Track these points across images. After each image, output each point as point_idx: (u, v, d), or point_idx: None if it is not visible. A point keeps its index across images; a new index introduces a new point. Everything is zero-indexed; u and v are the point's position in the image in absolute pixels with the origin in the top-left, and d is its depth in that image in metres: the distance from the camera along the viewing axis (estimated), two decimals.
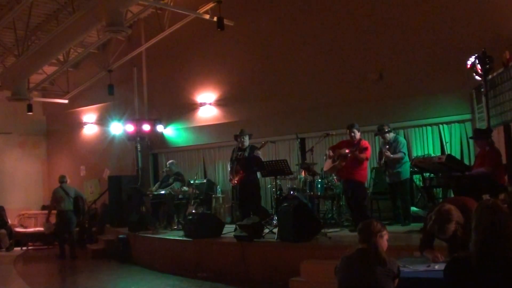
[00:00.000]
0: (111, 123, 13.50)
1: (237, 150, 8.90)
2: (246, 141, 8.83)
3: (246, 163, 8.42)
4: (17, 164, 15.26)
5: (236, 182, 8.75)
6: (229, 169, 9.11)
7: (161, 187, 10.72)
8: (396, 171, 7.84)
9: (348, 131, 7.84)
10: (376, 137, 8.93)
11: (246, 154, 8.60)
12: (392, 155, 7.78)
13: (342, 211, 8.88)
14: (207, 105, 12.06)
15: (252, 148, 8.72)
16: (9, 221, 13.95)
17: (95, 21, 9.84)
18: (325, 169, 8.24)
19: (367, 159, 7.72)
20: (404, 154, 7.89)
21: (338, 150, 7.82)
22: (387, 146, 7.94)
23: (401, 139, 8.22)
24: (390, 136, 8.03)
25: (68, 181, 11.46)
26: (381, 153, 8.06)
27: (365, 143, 7.86)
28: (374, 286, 3.12)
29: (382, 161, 7.96)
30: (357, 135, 7.82)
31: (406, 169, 7.92)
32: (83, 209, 11.71)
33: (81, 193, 11.79)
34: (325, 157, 8.23)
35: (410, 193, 8.49)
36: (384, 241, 3.32)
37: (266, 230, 7.72)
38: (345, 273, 3.27)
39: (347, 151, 7.66)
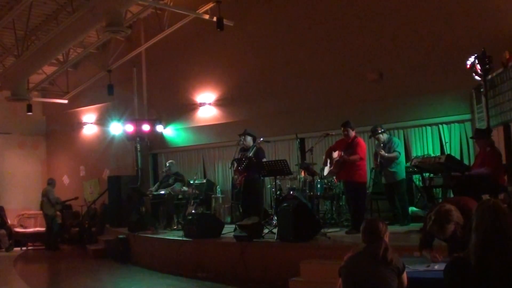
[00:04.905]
0: (110, 123, 13.49)
1: (240, 150, 8.88)
2: (249, 141, 8.79)
3: (246, 164, 8.40)
4: (17, 164, 15.25)
5: (238, 182, 8.74)
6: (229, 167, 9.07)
7: (161, 187, 10.72)
8: (392, 171, 7.83)
9: (342, 129, 7.86)
10: (373, 139, 8.89)
11: (249, 154, 8.57)
12: (386, 154, 7.78)
13: (342, 211, 8.88)
14: (207, 105, 12.06)
15: (256, 149, 8.68)
16: (9, 221, 13.95)
17: (95, 21, 9.84)
18: (324, 173, 8.28)
19: (361, 158, 7.70)
20: (399, 153, 7.88)
21: (332, 153, 7.86)
22: (382, 145, 7.95)
23: (395, 139, 8.22)
24: (384, 137, 8.03)
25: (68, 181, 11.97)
26: (376, 155, 8.06)
27: (359, 140, 7.85)
28: (382, 284, 3.14)
29: (378, 162, 7.97)
30: (351, 133, 7.83)
31: (401, 169, 7.91)
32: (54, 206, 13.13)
33: (49, 194, 12.88)
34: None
35: (410, 193, 8.49)
36: (388, 239, 3.34)
37: (266, 230, 7.73)
38: (351, 272, 3.27)
39: (336, 155, 7.69)
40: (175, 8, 11.16)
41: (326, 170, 8.12)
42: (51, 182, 13.21)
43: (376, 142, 8.19)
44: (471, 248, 2.69)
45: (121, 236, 10.22)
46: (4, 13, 10.95)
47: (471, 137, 7.60)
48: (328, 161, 8.03)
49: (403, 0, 9.32)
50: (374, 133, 8.00)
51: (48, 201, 12.73)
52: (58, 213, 13.56)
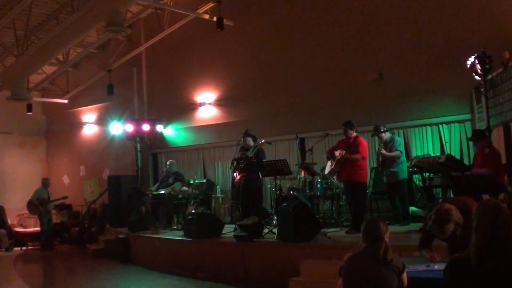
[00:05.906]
0: (110, 123, 13.51)
1: (241, 149, 8.89)
2: (249, 142, 8.79)
3: (246, 164, 8.40)
4: (17, 164, 15.25)
5: (237, 180, 8.74)
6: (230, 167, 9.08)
7: (161, 187, 10.72)
8: (393, 170, 7.81)
9: (343, 129, 7.87)
10: (375, 138, 8.89)
11: (249, 154, 8.58)
12: (388, 153, 7.79)
13: (342, 211, 8.88)
14: (207, 105, 12.06)
15: (257, 150, 8.68)
16: (9, 221, 13.96)
17: (95, 21, 9.84)
18: (326, 172, 8.27)
19: (363, 157, 7.71)
20: (401, 152, 7.87)
21: (334, 152, 7.86)
22: (382, 144, 7.95)
23: (398, 138, 8.21)
24: (387, 135, 8.02)
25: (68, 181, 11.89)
26: (379, 154, 8.07)
27: (361, 140, 7.85)
28: (382, 284, 3.14)
29: (380, 161, 7.97)
30: (352, 133, 7.83)
31: (403, 169, 7.89)
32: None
33: (33, 194, 12.71)
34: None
35: (410, 193, 8.47)
36: (388, 240, 3.35)
37: (266, 230, 7.72)
38: (351, 272, 3.28)
39: (338, 154, 7.69)
40: (175, 8, 11.16)
41: (328, 169, 8.11)
42: (44, 182, 13.13)
43: (379, 141, 8.20)
44: (471, 248, 2.69)
45: (121, 236, 10.22)
46: (4, 13, 10.96)
47: (469, 139, 7.60)
48: (331, 160, 8.02)
49: (403, 0, 9.32)
50: (376, 132, 8.00)
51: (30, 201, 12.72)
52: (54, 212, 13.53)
